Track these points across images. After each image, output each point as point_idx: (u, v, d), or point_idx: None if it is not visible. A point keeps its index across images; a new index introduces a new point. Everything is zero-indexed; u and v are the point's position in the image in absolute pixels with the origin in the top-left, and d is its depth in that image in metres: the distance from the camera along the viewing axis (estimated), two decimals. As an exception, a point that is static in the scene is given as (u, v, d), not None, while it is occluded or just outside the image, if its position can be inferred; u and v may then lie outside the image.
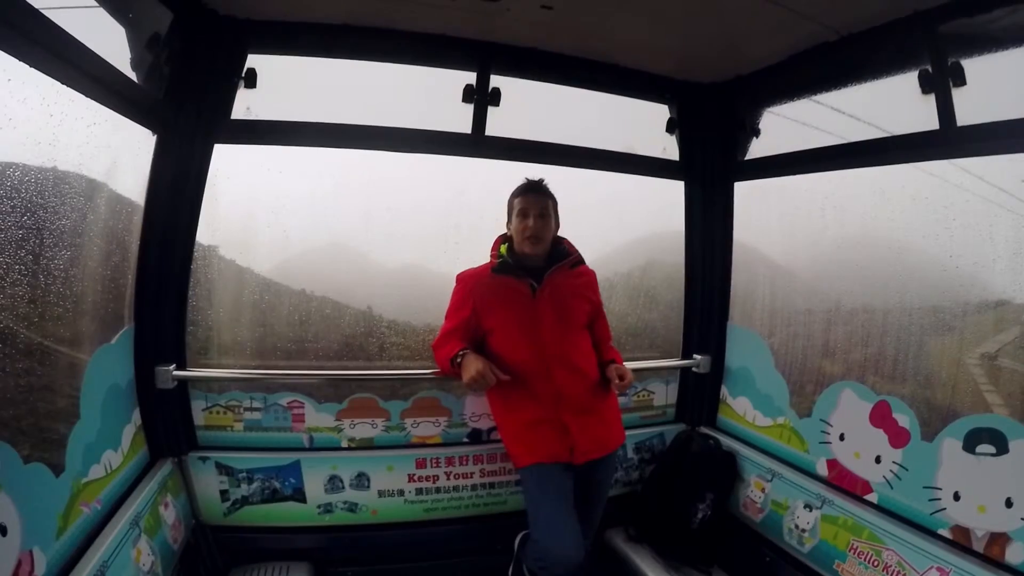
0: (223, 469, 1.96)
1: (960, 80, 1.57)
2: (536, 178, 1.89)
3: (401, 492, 2.11)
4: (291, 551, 2.04)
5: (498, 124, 2.11)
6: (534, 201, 1.84)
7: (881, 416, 1.78)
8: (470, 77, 2.08)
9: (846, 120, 1.92)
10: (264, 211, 2.07)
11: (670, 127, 2.42)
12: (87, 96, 1.35)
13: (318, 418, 2.06)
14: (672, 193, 2.48)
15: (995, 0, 1.46)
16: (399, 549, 2.14)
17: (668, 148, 2.45)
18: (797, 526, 1.96)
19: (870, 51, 1.80)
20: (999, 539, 1.44)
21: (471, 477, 2.19)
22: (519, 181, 1.90)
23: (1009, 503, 1.42)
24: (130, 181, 1.71)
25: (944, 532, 1.57)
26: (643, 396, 2.51)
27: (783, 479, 2.06)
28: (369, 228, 2.24)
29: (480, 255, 1.96)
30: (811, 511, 1.92)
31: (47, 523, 1.23)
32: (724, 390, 2.47)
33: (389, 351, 2.27)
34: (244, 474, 1.98)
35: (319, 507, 2.05)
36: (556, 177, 1.91)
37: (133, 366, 1.76)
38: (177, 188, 1.81)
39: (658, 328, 2.64)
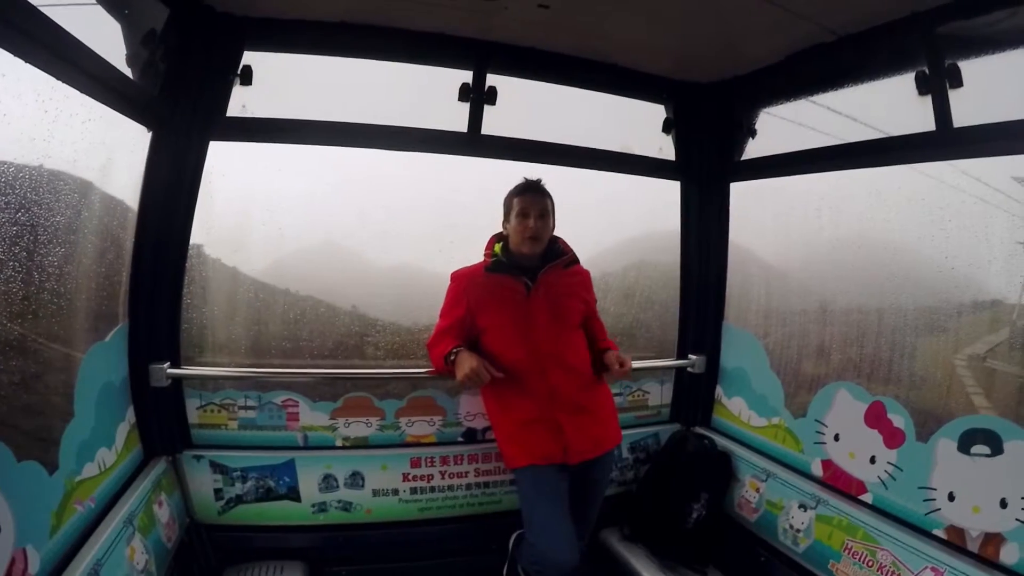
0: (217, 468, 1.96)
1: (957, 82, 1.56)
2: (534, 178, 1.89)
3: (396, 491, 2.11)
4: (285, 550, 2.04)
5: (494, 123, 2.10)
6: (534, 201, 1.83)
7: (876, 416, 1.78)
8: (466, 76, 2.07)
9: (843, 121, 1.92)
10: (259, 209, 2.06)
11: (667, 127, 2.42)
12: (82, 92, 1.34)
13: (312, 417, 2.06)
14: (668, 193, 2.47)
15: (994, 2, 1.46)
16: (394, 548, 2.13)
17: (664, 148, 2.45)
18: (792, 526, 1.96)
19: (867, 52, 1.80)
20: (993, 539, 1.44)
21: (466, 476, 2.19)
22: (515, 180, 1.89)
23: (1003, 504, 1.42)
24: (125, 178, 1.70)
25: (939, 532, 1.57)
26: (638, 396, 2.51)
27: (778, 479, 2.06)
28: (364, 226, 2.24)
29: (475, 254, 1.96)
30: (806, 511, 1.92)
31: (41, 521, 1.22)
32: (719, 390, 2.47)
33: (384, 350, 2.26)
34: (238, 473, 1.97)
35: (313, 506, 2.05)
36: (551, 176, 1.91)
37: (127, 364, 1.75)
38: (172, 185, 1.81)
39: (653, 328, 2.64)
